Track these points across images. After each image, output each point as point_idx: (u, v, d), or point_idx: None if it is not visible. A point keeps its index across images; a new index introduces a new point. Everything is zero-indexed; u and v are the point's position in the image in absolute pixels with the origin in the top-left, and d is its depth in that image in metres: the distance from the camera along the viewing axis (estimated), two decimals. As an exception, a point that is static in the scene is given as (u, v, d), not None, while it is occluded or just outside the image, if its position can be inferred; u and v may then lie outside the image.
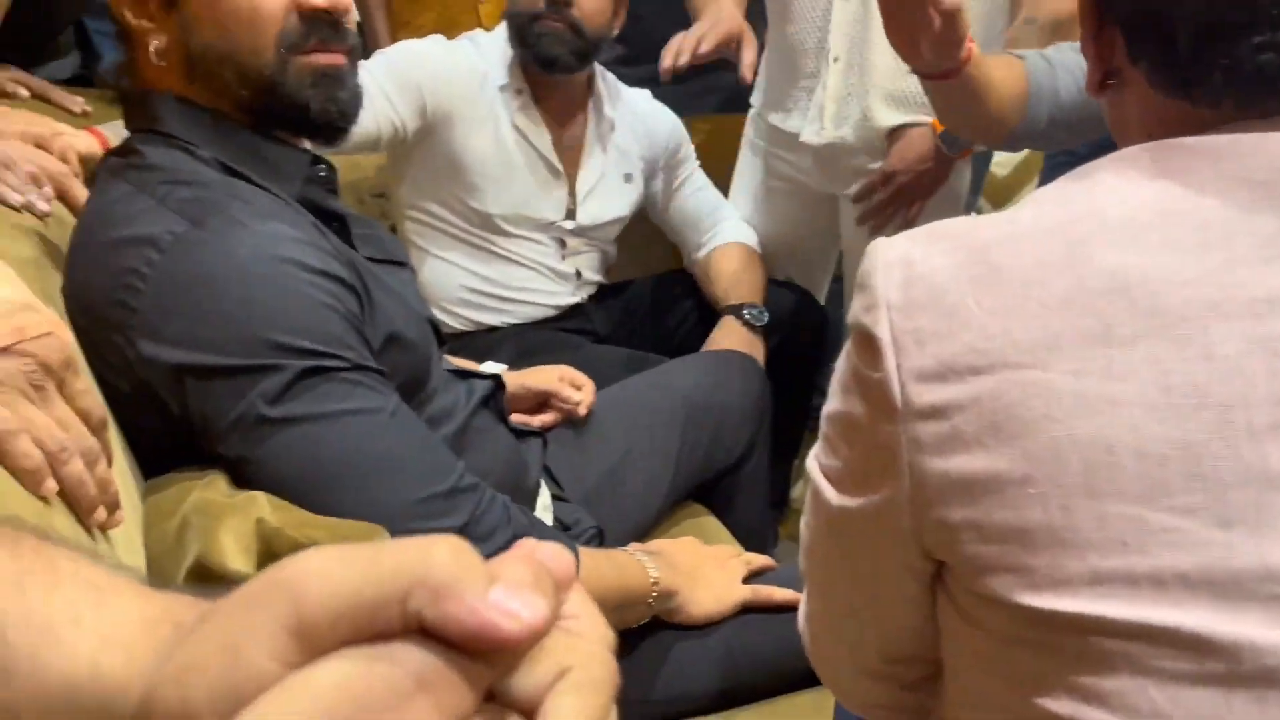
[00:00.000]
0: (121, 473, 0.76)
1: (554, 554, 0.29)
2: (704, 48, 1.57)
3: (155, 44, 0.88)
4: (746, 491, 1.47)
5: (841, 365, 0.63)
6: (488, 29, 2.14)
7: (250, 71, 0.88)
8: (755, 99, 1.78)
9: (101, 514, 0.64)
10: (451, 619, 0.25)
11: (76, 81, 1.57)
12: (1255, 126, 0.56)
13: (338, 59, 0.91)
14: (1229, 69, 0.56)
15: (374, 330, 0.90)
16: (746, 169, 1.83)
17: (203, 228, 0.82)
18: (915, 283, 0.58)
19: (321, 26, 0.90)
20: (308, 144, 0.97)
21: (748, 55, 1.63)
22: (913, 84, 1.54)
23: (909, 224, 1.61)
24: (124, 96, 0.94)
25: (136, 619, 0.32)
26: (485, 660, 0.26)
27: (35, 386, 0.59)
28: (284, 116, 0.91)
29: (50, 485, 0.59)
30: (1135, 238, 0.55)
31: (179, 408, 0.81)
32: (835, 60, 1.58)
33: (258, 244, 0.82)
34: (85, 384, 0.65)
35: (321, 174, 0.95)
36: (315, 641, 0.25)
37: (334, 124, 0.93)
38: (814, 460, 0.66)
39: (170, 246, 0.81)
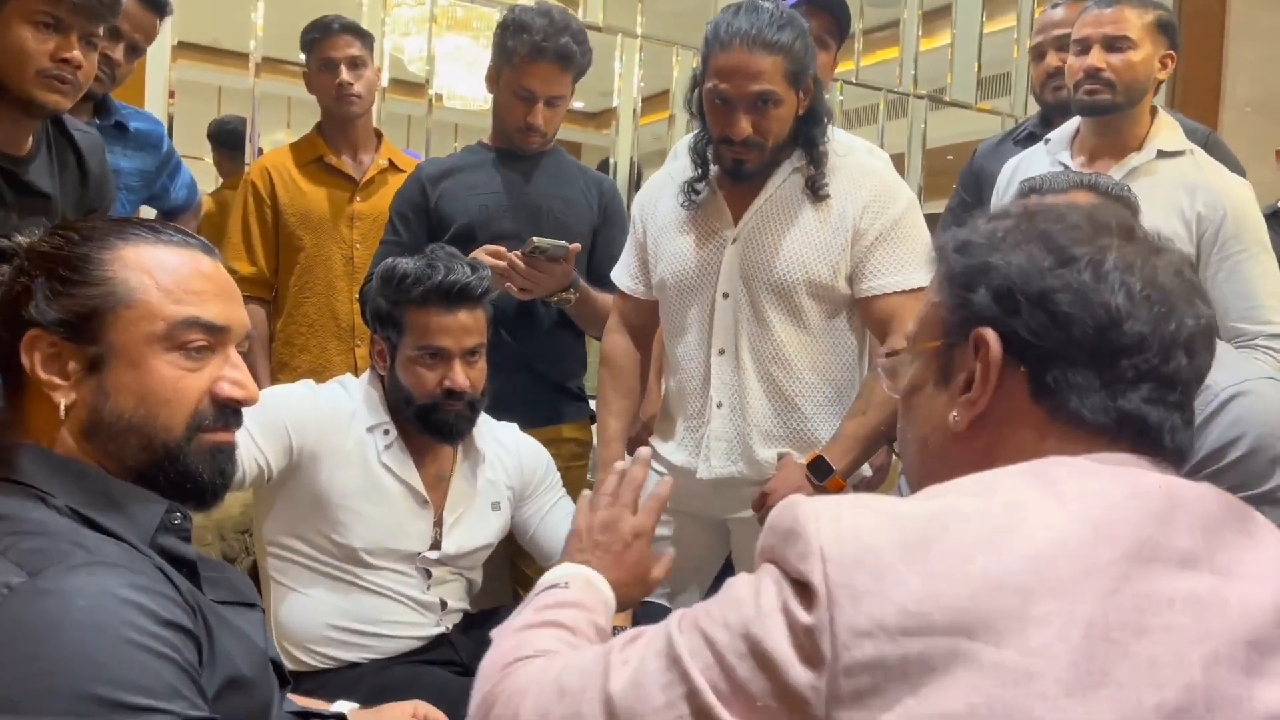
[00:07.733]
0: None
1: None
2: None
3: (64, 401, 0.92)
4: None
5: (768, 587, 0.67)
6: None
7: (156, 444, 0.93)
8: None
9: None
10: None
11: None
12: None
13: (231, 437, 0.98)
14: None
15: (212, 675, 0.89)
16: None
17: (40, 578, 0.82)
18: (847, 538, 0.64)
19: (229, 413, 0.97)
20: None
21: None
22: (783, 423, 1.74)
23: None
24: None
25: None
26: None
27: None
28: (172, 484, 0.95)
29: None
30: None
31: None
32: (719, 406, 1.75)
33: (93, 594, 0.82)
34: None
35: (176, 522, 0.97)
36: None
37: (217, 494, 0.98)
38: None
39: (4, 600, 0.81)
